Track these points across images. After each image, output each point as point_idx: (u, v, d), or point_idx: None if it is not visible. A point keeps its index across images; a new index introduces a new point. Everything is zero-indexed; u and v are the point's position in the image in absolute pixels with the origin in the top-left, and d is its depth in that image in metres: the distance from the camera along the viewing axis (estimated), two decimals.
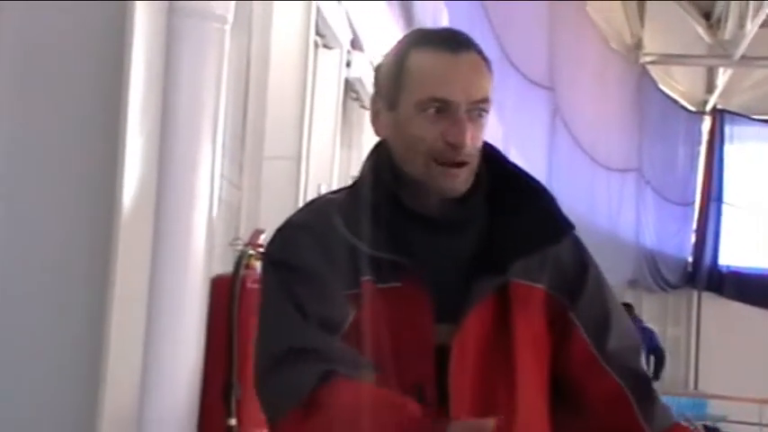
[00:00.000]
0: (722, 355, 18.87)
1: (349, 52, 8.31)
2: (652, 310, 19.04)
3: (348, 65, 8.33)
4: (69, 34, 3.87)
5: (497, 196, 2.14)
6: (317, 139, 7.44)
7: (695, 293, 20.16)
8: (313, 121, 7.28)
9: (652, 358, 14.51)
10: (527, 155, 12.16)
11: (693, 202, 20.13)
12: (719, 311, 19.67)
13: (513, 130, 11.63)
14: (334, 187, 7.63)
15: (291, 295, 2.02)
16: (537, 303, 2.12)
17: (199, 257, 4.50)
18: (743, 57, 17.69)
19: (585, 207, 14.64)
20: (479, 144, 2.07)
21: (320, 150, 7.59)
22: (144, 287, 4.15)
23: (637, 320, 14.33)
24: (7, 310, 3.80)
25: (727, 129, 20.32)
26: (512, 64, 12.12)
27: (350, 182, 2.21)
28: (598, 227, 15.20)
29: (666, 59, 18.55)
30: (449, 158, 2.03)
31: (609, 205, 17.05)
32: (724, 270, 20.09)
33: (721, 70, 19.50)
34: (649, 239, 18.59)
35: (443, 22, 9.37)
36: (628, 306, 13.01)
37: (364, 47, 8.57)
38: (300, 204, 6.42)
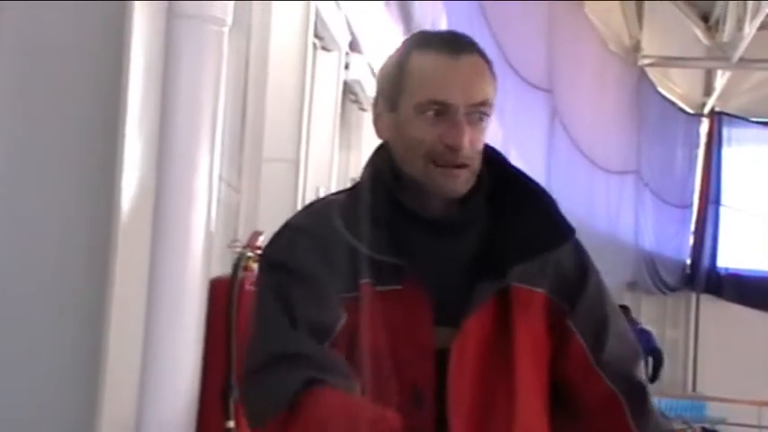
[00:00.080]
0: (721, 357, 18.86)
1: (348, 54, 8.31)
2: (651, 313, 19.02)
3: (347, 67, 8.33)
4: (69, 34, 3.87)
5: (498, 199, 2.14)
6: (315, 142, 7.44)
7: (694, 296, 20.14)
8: (312, 124, 7.28)
9: (650, 360, 14.50)
10: (526, 157, 12.16)
11: (692, 205, 20.11)
12: (718, 313, 19.66)
13: (511, 132, 11.63)
14: (333, 189, 7.64)
15: (284, 298, 2.03)
16: (537, 307, 2.12)
17: (197, 259, 4.50)
18: (741, 59, 17.68)
19: (584, 209, 14.64)
20: (480, 147, 2.07)
21: (319, 152, 7.59)
22: (143, 288, 4.16)
23: (634, 322, 14.32)
24: (7, 310, 3.80)
25: (725, 131, 20.31)
26: (510, 66, 12.13)
27: (349, 184, 2.21)
28: (597, 229, 15.20)
29: (665, 62, 18.54)
30: (448, 161, 2.03)
31: (607, 207, 17.05)
32: (722, 272, 20.08)
33: (719, 72, 19.48)
34: (648, 242, 18.58)
35: (442, 24, 9.38)
36: (624, 308, 13.00)
37: (363, 49, 8.57)
38: (299, 206, 6.44)
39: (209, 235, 4.57)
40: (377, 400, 2.00)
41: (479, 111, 2.05)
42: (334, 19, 7.64)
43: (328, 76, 7.98)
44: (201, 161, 4.48)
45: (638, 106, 18.05)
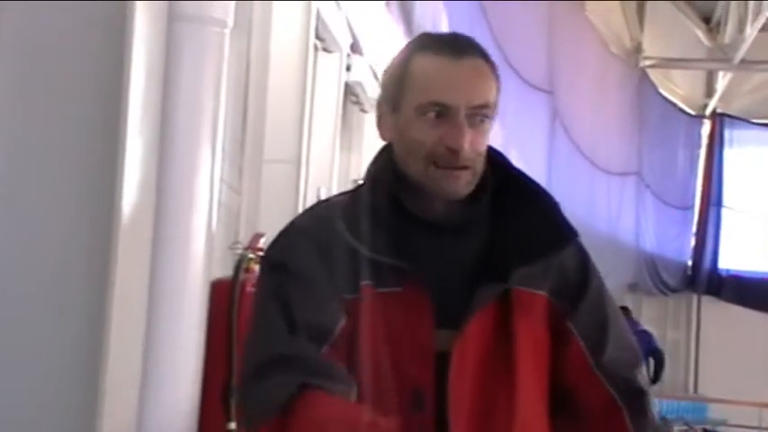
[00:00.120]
0: (722, 358, 18.86)
1: (349, 56, 8.32)
2: (652, 314, 19.02)
3: (348, 68, 8.34)
4: (69, 34, 3.87)
5: (501, 201, 2.13)
6: (316, 143, 7.44)
7: (695, 297, 20.15)
8: (313, 125, 7.28)
9: (651, 361, 14.49)
10: (527, 158, 12.16)
11: (693, 206, 20.12)
12: (719, 315, 19.66)
13: (512, 133, 11.63)
14: (334, 191, 7.67)
15: (283, 300, 2.02)
16: (539, 310, 2.12)
17: (198, 261, 4.50)
18: (742, 61, 17.69)
19: (585, 211, 14.64)
20: (481, 149, 2.06)
21: (320, 154, 7.59)
22: (143, 289, 4.15)
23: (634, 323, 14.31)
24: (7, 311, 3.80)
25: (726, 132, 20.31)
26: (511, 67, 12.13)
27: (350, 185, 2.21)
28: (598, 230, 15.20)
29: (666, 63, 18.55)
30: (448, 163, 2.03)
31: (608, 209, 17.05)
32: (723, 274, 20.08)
33: (721, 74, 19.49)
34: (649, 243, 18.59)
35: (443, 26, 9.38)
36: (625, 309, 12.99)
37: (364, 51, 8.57)
38: (300, 208, 6.45)
39: (209, 236, 4.57)
40: (377, 403, 2.01)
41: (481, 113, 2.05)
42: (336, 20, 7.64)
43: (329, 77, 7.98)
44: (202, 162, 4.48)
45: (639, 108, 18.05)
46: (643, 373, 2.21)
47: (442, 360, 2.02)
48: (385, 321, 2.03)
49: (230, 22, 4.61)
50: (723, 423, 16.50)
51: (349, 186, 2.26)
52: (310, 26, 6.88)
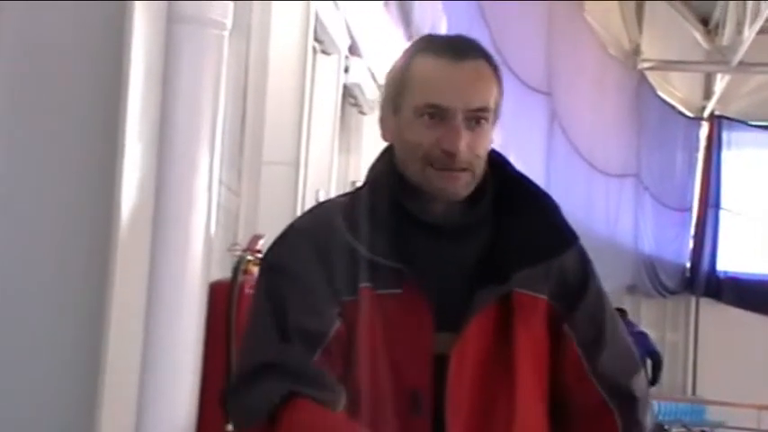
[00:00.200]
0: (720, 360, 18.86)
1: (347, 58, 8.32)
2: (650, 316, 19.02)
3: (346, 70, 8.34)
4: (69, 34, 3.87)
5: (503, 204, 2.13)
6: (315, 145, 7.44)
7: (693, 299, 20.15)
8: (311, 127, 7.29)
9: (649, 362, 14.48)
10: (525, 160, 12.16)
11: (691, 208, 20.12)
12: (718, 317, 19.66)
13: (511, 135, 11.63)
14: (333, 193, 7.67)
15: (278, 304, 2.03)
16: (539, 313, 2.11)
17: (197, 262, 4.50)
18: (740, 63, 17.71)
19: (583, 212, 14.65)
20: (480, 151, 2.06)
21: (318, 156, 7.59)
22: (143, 291, 4.16)
23: (631, 325, 14.29)
24: (7, 311, 3.80)
25: (724, 135, 20.32)
26: (510, 69, 12.13)
27: (349, 187, 2.22)
28: (596, 232, 15.20)
29: (664, 65, 18.55)
30: (445, 165, 2.03)
31: (607, 211, 17.05)
32: (722, 276, 20.08)
33: (719, 76, 19.50)
34: (648, 245, 18.59)
35: (442, 28, 9.38)
36: (622, 311, 12.98)
37: (362, 53, 8.57)
38: (299, 209, 6.45)
39: (208, 238, 4.57)
40: (375, 406, 2.01)
41: (479, 116, 2.04)
42: (334, 22, 7.65)
43: (328, 79, 7.99)
44: (201, 164, 4.49)
45: (637, 110, 18.06)
46: (640, 381, 2.19)
47: (441, 363, 2.02)
48: (384, 323, 2.03)
49: (229, 23, 4.61)
50: (721, 425, 16.52)
51: (347, 188, 2.26)
52: (309, 28, 6.89)
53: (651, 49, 18.15)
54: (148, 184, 4.12)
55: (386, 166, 2.12)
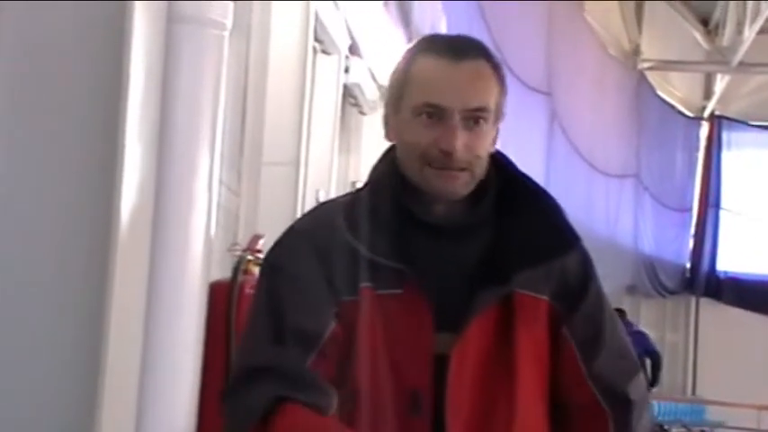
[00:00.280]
0: (720, 360, 18.86)
1: (347, 58, 8.32)
2: (650, 316, 19.02)
3: (346, 70, 8.34)
4: (69, 34, 3.87)
5: (505, 204, 2.13)
6: (315, 145, 7.44)
7: (693, 299, 20.15)
8: (311, 127, 7.28)
9: (648, 362, 14.48)
10: (524, 160, 12.12)
11: (691, 208, 20.13)
12: (717, 317, 19.67)
13: (510, 135, 11.63)
14: (333, 193, 7.67)
15: (275, 305, 2.03)
16: (540, 314, 2.11)
17: (197, 263, 4.50)
18: (740, 63, 17.72)
19: (583, 213, 14.64)
20: (479, 151, 2.06)
21: (319, 156, 7.59)
22: (142, 291, 4.16)
23: (629, 325, 14.29)
24: (7, 310, 3.80)
25: (724, 135, 20.32)
26: (510, 69, 12.13)
27: (348, 188, 2.22)
28: (596, 233, 15.20)
29: (664, 65, 18.56)
30: (442, 164, 2.03)
31: (607, 211, 17.05)
32: (722, 276, 20.09)
33: (719, 76, 19.51)
34: (647, 245, 18.59)
35: (442, 28, 9.38)
36: (620, 311, 12.97)
37: (362, 53, 8.57)
38: (299, 210, 6.45)
39: (208, 238, 4.57)
40: (374, 405, 2.01)
41: (477, 116, 2.04)
42: (334, 22, 7.65)
43: (328, 79, 7.99)
44: (201, 164, 4.48)
45: (637, 110, 18.06)
46: (638, 384, 2.18)
47: (442, 363, 2.02)
48: (384, 323, 2.03)
49: (229, 23, 4.61)
50: (721, 425, 16.52)
51: (347, 188, 2.26)
52: (309, 28, 6.89)
53: (651, 50, 18.16)
54: (148, 183, 4.12)
55: (388, 167, 2.13)
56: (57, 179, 3.86)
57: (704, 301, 20.06)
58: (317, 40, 7.47)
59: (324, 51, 7.91)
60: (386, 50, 8.38)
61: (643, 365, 14.00)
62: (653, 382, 14.83)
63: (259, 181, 6.29)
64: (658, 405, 15.08)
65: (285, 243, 2.12)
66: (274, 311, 2.03)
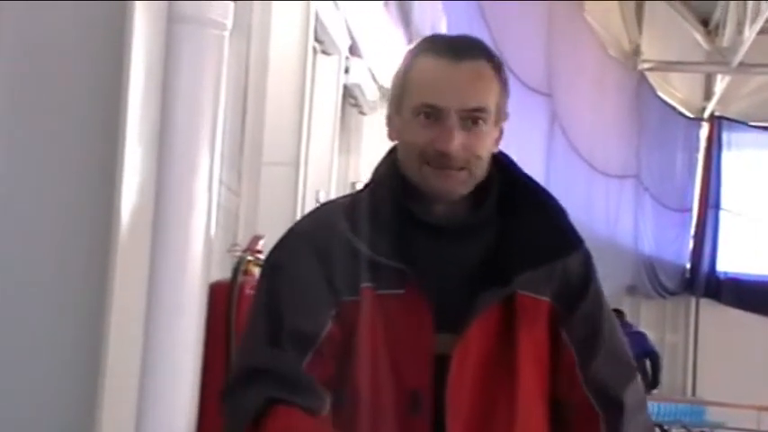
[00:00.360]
0: (720, 361, 18.86)
1: (347, 58, 8.32)
2: (650, 317, 19.02)
3: (346, 71, 8.34)
4: (69, 34, 3.87)
5: (507, 206, 2.13)
6: (315, 145, 7.44)
7: (693, 300, 20.14)
8: (311, 127, 7.29)
9: (648, 362, 14.48)
10: (525, 161, 12.07)
11: (691, 209, 20.12)
12: (717, 318, 19.66)
13: (511, 135, 11.60)
14: (333, 193, 7.66)
15: (273, 307, 2.04)
16: (542, 316, 2.12)
17: (197, 263, 4.50)
18: (741, 64, 17.71)
19: (583, 213, 14.64)
20: (478, 151, 2.06)
21: (319, 156, 7.60)
22: (142, 292, 4.15)
23: (628, 326, 14.30)
24: (7, 310, 3.80)
25: (724, 135, 20.32)
26: (510, 70, 12.13)
27: (348, 188, 2.23)
28: (596, 233, 15.19)
29: (664, 66, 18.55)
30: (441, 164, 2.04)
31: (607, 211, 17.05)
32: (722, 276, 20.08)
33: (719, 77, 19.51)
34: (647, 246, 18.59)
35: (442, 28, 9.38)
36: (618, 312, 12.97)
37: (363, 53, 8.57)
38: (299, 210, 6.45)
39: (208, 239, 4.57)
40: (374, 405, 2.01)
41: (475, 116, 2.05)
42: (334, 23, 7.65)
43: (328, 79, 7.99)
44: (201, 164, 4.48)
45: (637, 110, 18.06)
46: (634, 389, 2.18)
47: (442, 364, 2.02)
48: (385, 323, 2.04)
49: (229, 24, 4.61)
50: (721, 426, 16.50)
51: (347, 189, 2.27)
52: (309, 28, 6.89)
53: (651, 50, 18.15)
54: (148, 184, 4.12)
55: (389, 167, 2.13)
56: (57, 179, 3.85)
57: (704, 301, 20.05)
58: (317, 40, 7.47)
59: (324, 52, 7.92)
60: (386, 51, 8.38)
61: (642, 366, 14.01)
62: (653, 383, 14.83)
63: (259, 181, 6.29)
64: (658, 406, 15.07)
65: (285, 244, 2.12)
66: (273, 312, 2.03)
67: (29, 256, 3.84)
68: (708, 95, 20.06)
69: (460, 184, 2.07)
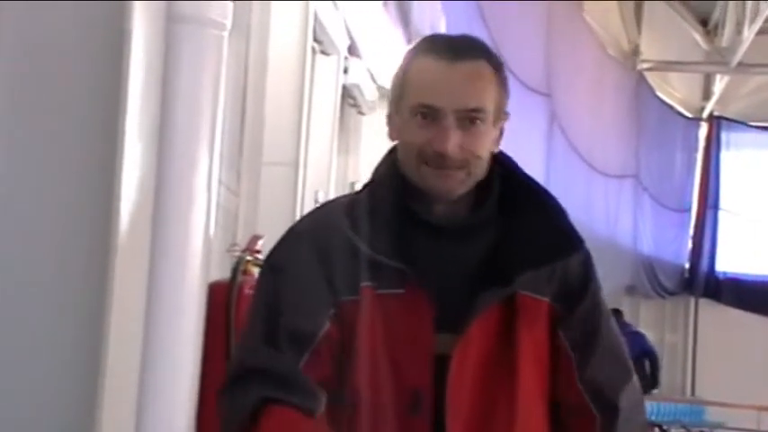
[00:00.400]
0: (720, 361, 18.85)
1: (346, 58, 8.32)
2: (649, 317, 19.01)
3: (345, 71, 8.34)
4: (69, 34, 3.87)
5: (508, 206, 2.14)
6: (314, 146, 7.44)
7: (692, 300, 20.13)
8: (310, 128, 7.29)
9: (647, 362, 14.47)
10: (524, 161, 12.06)
11: (690, 209, 20.12)
12: (717, 318, 19.66)
13: (510, 135, 11.61)
14: (332, 193, 7.67)
15: (271, 307, 2.05)
16: (542, 316, 2.12)
17: (196, 263, 4.49)
18: (740, 64, 17.70)
19: (583, 213, 14.63)
20: (478, 151, 2.06)
21: (318, 156, 7.60)
22: (142, 291, 4.16)
23: (626, 325, 14.28)
24: (7, 310, 3.80)
25: (723, 135, 20.31)
26: (509, 70, 12.09)
27: (347, 188, 2.23)
28: (595, 233, 15.18)
29: (663, 66, 18.55)
30: (438, 164, 2.04)
31: (606, 211, 17.04)
32: (721, 276, 20.08)
33: (718, 77, 19.50)
34: (647, 246, 18.58)
35: (441, 28, 9.38)
36: (617, 312, 12.97)
37: (361, 53, 8.58)
38: (298, 210, 6.46)
39: (207, 238, 4.57)
40: (375, 404, 2.02)
41: (473, 116, 2.05)
42: (333, 23, 7.65)
43: (327, 80, 7.99)
44: (201, 164, 4.48)
45: (636, 110, 18.05)
46: (630, 391, 2.19)
47: (442, 363, 2.03)
48: (385, 323, 2.04)
49: (229, 23, 4.61)
50: (721, 426, 16.49)
51: (347, 189, 2.27)
52: (308, 29, 6.89)
53: (650, 50, 18.14)
54: (148, 183, 4.12)
55: (390, 167, 2.14)
56: (57, 179, 3.85)
57: (703, 301, 20.04)
58: (316, 40, 7.47)
59: (323, 52, 7.92)
60: (385, 51, 8.38)
61: (641, 366, 14.00)
62: (653, 383, 14.83)
63: (258, 181, 6.30)
64: (658, 406, 15.07)
65: (285, 244, 2.13)
66: (271, 312, 2.04)
67: (29, 256, 3.84)
68: (707, 95, 20.05)
69: (459, 184, 2.07)
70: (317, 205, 2.32)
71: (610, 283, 13.65)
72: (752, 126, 20.33)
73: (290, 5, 6.68)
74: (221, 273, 5.15)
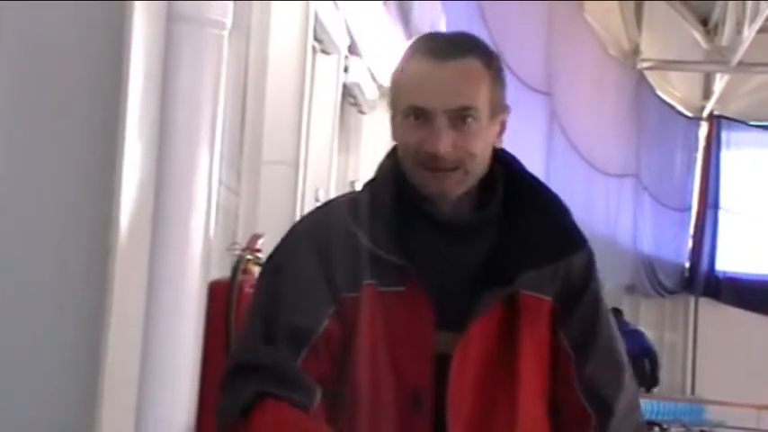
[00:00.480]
0: (719, 360, 18.86)
1: (347, 57, 8.32)
2: (649, 316, 19.02)
3: (346, 70, 8.34)
4: (69, 34, 3.87)
5: (511, 205, 2.13)
6: (314, 145, 7.44)
7: (692, 299, 20.14)
8: (311, 127, 7.29)
9: (646, 361, 14.47)
10: (524, 160, 12.07)
11: (690, 208, 20.12)
12: (717, 317, 19.67)
13: (510, 134, 11.60)
14: (332, 193, 7.67)
15: (270, 304, 2.05)
16: (544, 315, 2.12)
17: (196, 262, 4.50)
18: (740, 63, 17.71)
19: (583, 212, 14.63)
20: (473, 149, 2.05)
21: (318, 155, 7.59)
22: (142, 290, 4.16)
23: (625, 324, 14.29)
24: (7, 310, 3.80)
25: (724, 134, 20.32)
26: (509, 68, 12.13)
27: (348, 187, 2.23)
28: (595, 232, 15.18)
29: (664, 65, 18.55)
30: (431, 166, 2.04)
31: (606, 211, 17.05)
32: (721, 275, 20.08)
33: (718, 76, 19.50)
34: (647, 245, 18.58)
35: (441, 27, 9.38)
36: (617, 311, 12.97)
37: (362, 52, 8.57)
38: (298, 209, 6.46)
39: (208, 238, 4.57)
40: (375, 403, 2.02)
41: (464, 115, 2.04)
42: (334, 22, 7.65)
43: (327, 79, 7.99)
44: (201, 164, 4.49)
45: (636, 110, 18.06)
46: (627, 392, 2.18)
47: (443, 362, 2.03)
48: (385, 321, 2.04)
49: (229, 23, 4.61)
50: (720, 425, 16.50)
51: (347, 188, 2.27)
52: (308, 28, 6.88)
53: (650, 49, 18.15)
54: (148, 183, 4.12)
55: (392, 165, 2.13)
56: (57, 179, 3.85)
57: (703, 300, 20.05)
58: (316, 39, 7.47)
59: (323, 51, 7.91)
60: (385, 50, 8.38)
61: (641, 365, 14.01)
62: (652, 382, 14.84)
63: (259, 180, 6.30)
64: (657, 405, 15.07)
65: (286, 244, 2.13)
66: (270, 310, 2.04)
67: (29, 256, 3.84)
68: (707, 94, 20.05)
69: (456, 184, 2.06)
70: (318, 204, 2.32)
71: (610, 282, 13.66)
72: (752, 125, 20.34)
73: (290, 5, 6.68)
74: (221, 272, 5.15)
